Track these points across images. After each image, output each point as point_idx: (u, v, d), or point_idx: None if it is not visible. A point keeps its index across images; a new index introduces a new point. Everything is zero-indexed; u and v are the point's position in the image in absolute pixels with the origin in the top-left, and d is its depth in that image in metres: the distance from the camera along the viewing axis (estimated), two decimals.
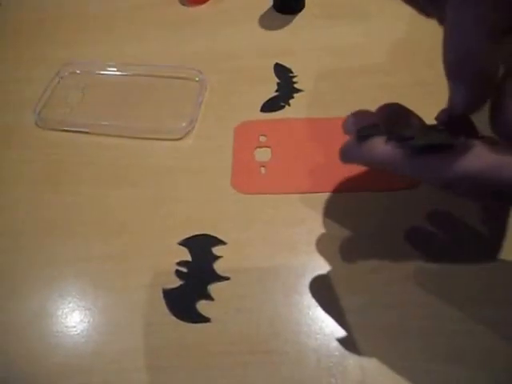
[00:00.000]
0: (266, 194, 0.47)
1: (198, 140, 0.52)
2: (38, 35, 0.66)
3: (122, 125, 0.53)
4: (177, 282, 0.41)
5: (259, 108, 0.54)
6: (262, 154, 0.50)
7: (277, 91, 0.55)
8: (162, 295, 0.41)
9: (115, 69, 0.60)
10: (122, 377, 0.37)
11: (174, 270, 0.42)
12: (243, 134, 0.52)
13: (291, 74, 0.57)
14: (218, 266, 0.42)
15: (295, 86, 0.56)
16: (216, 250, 0.43)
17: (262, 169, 0.48)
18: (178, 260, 0.43)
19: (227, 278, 0.41)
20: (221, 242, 0.43)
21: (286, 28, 0.63)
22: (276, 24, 0.63)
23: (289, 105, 0.53)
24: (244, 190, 0.47)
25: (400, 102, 0.34)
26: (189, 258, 0.43)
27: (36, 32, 0.67)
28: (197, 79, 0.57)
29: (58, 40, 0.65)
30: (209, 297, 0.40)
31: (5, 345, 0.39)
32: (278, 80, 0.56)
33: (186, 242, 0.44)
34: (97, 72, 0.60)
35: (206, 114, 0.54)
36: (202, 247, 0.43)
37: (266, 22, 0.64)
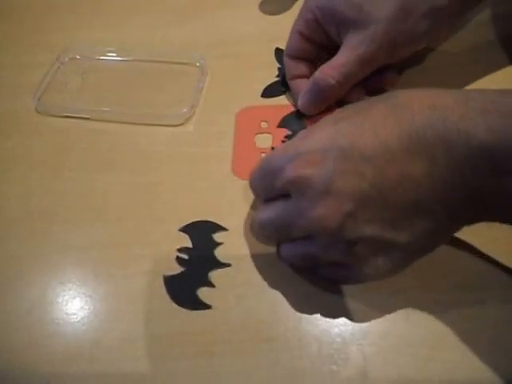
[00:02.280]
0: None
1: (198, 126, 0.52)
2: (38, 20, 0.66)
3: (122, 110, 0.53)
4: (177, 269, 0.41)
5: (260, 93, 0.53)
6: (263, 140, 0.49)
7: (278, 76, 0.55)
8: (162, 282, 0.41)
9: (115, 54, 0.59)
10: (123, 364, 0.37)
11: (174, 256, 0.42)
12: (244, 120, 0.51)
13: None
14: (219, 253, 0.42)
15: None
16: (217, 237, 0.43)
17: (263, 155, 0.48)
18: (178, 247, 0.42)
19: (228, 265, 0.41)
20: (222, 229, 0.43)
21: (286, 13, 0.62)
22: (277, 9, 0.62)
23: (290, 90, 0.53)
24: (245, 177, 0.46)
25: None
26: (189, 244, 0.43)
27: (36, 17, 0.66)
28: (197, 64, 0.57)
29: (57, 25, 0.65)
30: (210, 284, 0.40)
31: (5, 332, 0.39)
32: (278, 65, 0.56)
33: (187, 229, 0.43)
34: (97, 57, 0.59)
35: (207, 99, 0.54)
36: (202, 234, 0.43)
37: (266, 7, 0.63)
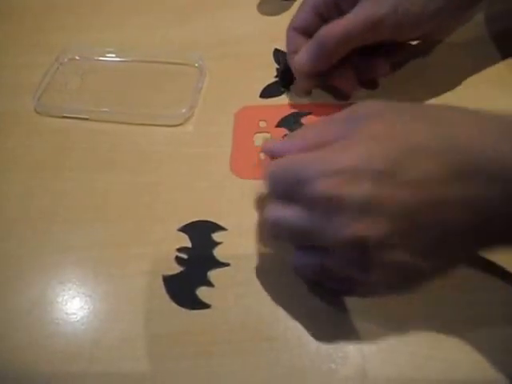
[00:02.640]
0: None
1: (197, 126, 0.52)
2: (38, 21, 0.66)
3: (121, 111, 0.53)
4: (177, 269, 0.41)
5: (259, 94, 0.53)
6: (262, 140, 0.50)
7: (276, 76, 0.55)
8: (160, 281, 0.41)
9: (114, 55, 0.59)
10: (123, 364, 0.37)
11: (173, 256, 0.42)
12: (243, 120, 0.51)
13: None
14: (218, 253, 0.42)
15: None
16: (216, 236, 0.43)
17: (262, 154, 0.48)
18: (178, 246, 0.42)
19: (227, 265, 0.41)
20: (221, 228, 0.43)
21: (285, 13, 0.62)
22: (275, 9, 0.63)
23: (288, 90, 0.53)
24: (243, 176, 0.47)
25: None
26: (189, 244, 0.43)
27: (35, 18, 0.66)
28: (196, 65, 0.57)
29: (56, 26, 0.65)
30: (209, 283, 0.40)
31: (5, 332, 0.39)
32: (277, 65, 0.56)
33: (186, 229, 0.43)
34: (96, 58, 0.59)
35: (206, 99, 0.54)
36: (201, 233, 0.43)
37: (264, 8, 0.63)
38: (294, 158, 0.35)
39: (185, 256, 0.42)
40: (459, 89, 0.51)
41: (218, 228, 0.43)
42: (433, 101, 0.49)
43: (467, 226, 0.31)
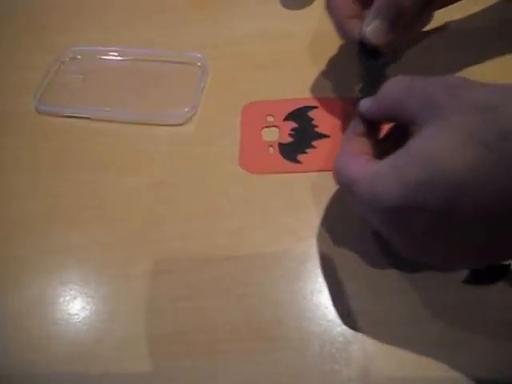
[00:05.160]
0: (276, 173, 0.46)
1: (200, 125, 0.51)
2: (39, 20, 0.66)
3: (123, 111, 0.53)
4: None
5: (261, 92, 0.53)
6: (270, 134, 0.50)
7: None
8: (163, 282, 0.41)
9: (116, 54, 0.59)
10: (124, 365, 0.37)
11: (175, 256, 0.42)
12: (250, 115, 0.52)
13: None
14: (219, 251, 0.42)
15: None
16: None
17: (271, 148, 0.48)
18: (179, 246, 0.43)
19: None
20: None
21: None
22: (299, 4, 0.62)
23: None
24: (253, 170, 0.47)
25: None
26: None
27: (36, 17, 0.66)
28: (199, 64, 0.56)
29: (58, 25, 0.65)
30: None
31: (5, 333, 0.39)
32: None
33: None
34: (98, 57, 0.59)
35: (208, 99, 0.54)
36: None
37: (288, 2, 0.63)
38: (343, 168, 0.35)
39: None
40: None
41: None
42: None
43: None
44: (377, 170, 0.32)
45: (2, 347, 0.39)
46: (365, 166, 0.33)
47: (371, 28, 0.41)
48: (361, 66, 0.47)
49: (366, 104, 0.36)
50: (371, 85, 0.35)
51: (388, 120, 0.33)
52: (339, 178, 0.35)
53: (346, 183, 0.34)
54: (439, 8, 0.46)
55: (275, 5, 0.63)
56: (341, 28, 0.44)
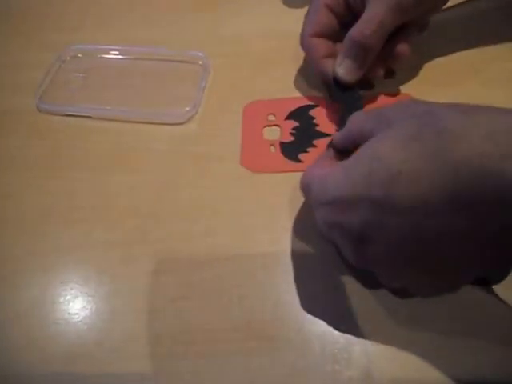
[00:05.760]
0: (277, 172, 0.46)
1: (201, 124, 0.51)
2: (39, 19, 0.66)
3: (124, 109, 0.53)
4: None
5: (262, 92, 0.53)
6: (271, 133, 0.50)
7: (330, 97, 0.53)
8: (163, 281, 0.40)
9: (117, 52, 0.59)
10: (125, 365, 0.37)
11: (175, 255, 0.42)
12: (251, 114, 0.52)
13: None
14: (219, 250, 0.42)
15: None
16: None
17: (272, 147, 0.48)
18: (179, 245, 0.42)
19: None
20: None
21: (290, 10, 0.62)
22: (300, 2, 0.62)
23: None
24: (255, 169, 0.47)
25: None
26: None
27: (37, 16, 0.66)
28: (200, 63, 0.56)
29: (58, 24, 0.65)
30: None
31: (5, 333, 0.39)
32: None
33: None
34: (99, 56, 0.59)
35: (210, 98, 0.54)
36: None
37: (290, 0, 0.63)
38: (308, 175, 0.38)
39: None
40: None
41: None
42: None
43: (477, 256, 0.30)
44: (329, 170, 0.36)
45: (1, 347, 0.39)
46: (323, 171, 0.37)
47: (343, 67, 0.47)
48: (338, 100, 0.49)
49: (337, 136, 0.39)
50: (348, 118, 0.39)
51: (356, 147, 0.35)
52: (302, 184, 0.39)
53: (305, 186, 0.38)
54: (410, 39, 0.48)
55: (277, 3, 0.63)
56: (316, 68, 0.49)
